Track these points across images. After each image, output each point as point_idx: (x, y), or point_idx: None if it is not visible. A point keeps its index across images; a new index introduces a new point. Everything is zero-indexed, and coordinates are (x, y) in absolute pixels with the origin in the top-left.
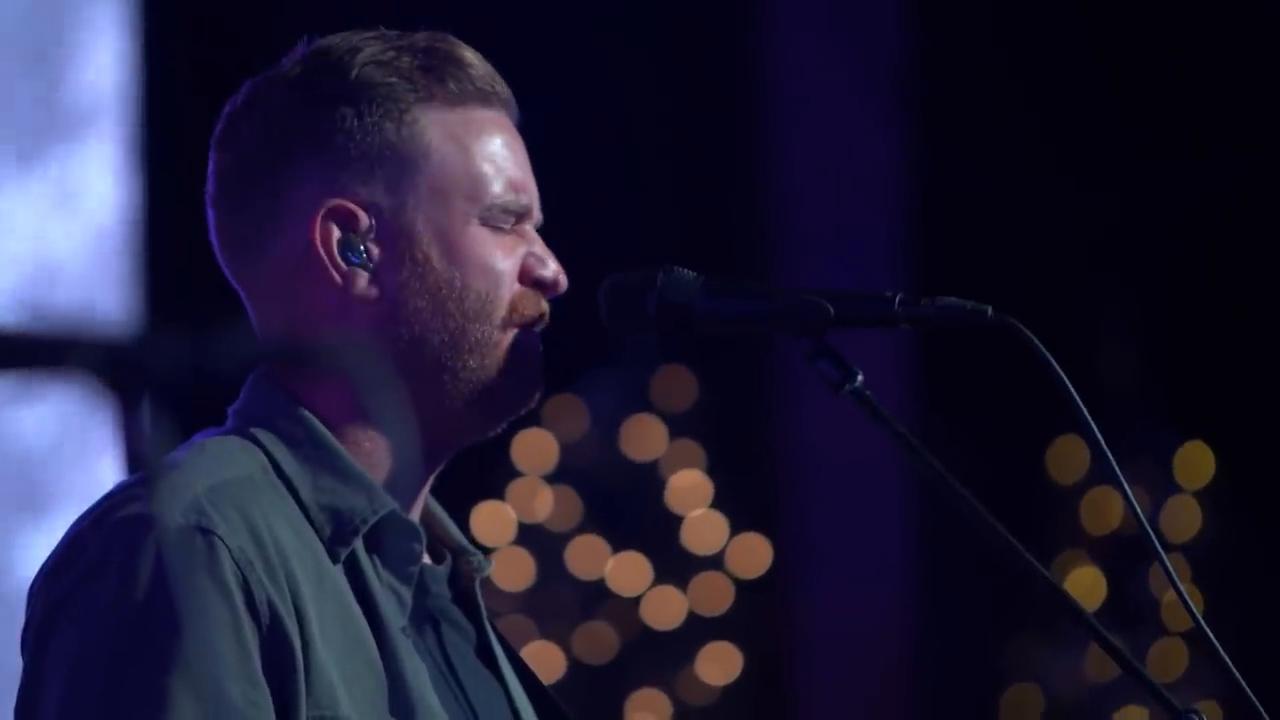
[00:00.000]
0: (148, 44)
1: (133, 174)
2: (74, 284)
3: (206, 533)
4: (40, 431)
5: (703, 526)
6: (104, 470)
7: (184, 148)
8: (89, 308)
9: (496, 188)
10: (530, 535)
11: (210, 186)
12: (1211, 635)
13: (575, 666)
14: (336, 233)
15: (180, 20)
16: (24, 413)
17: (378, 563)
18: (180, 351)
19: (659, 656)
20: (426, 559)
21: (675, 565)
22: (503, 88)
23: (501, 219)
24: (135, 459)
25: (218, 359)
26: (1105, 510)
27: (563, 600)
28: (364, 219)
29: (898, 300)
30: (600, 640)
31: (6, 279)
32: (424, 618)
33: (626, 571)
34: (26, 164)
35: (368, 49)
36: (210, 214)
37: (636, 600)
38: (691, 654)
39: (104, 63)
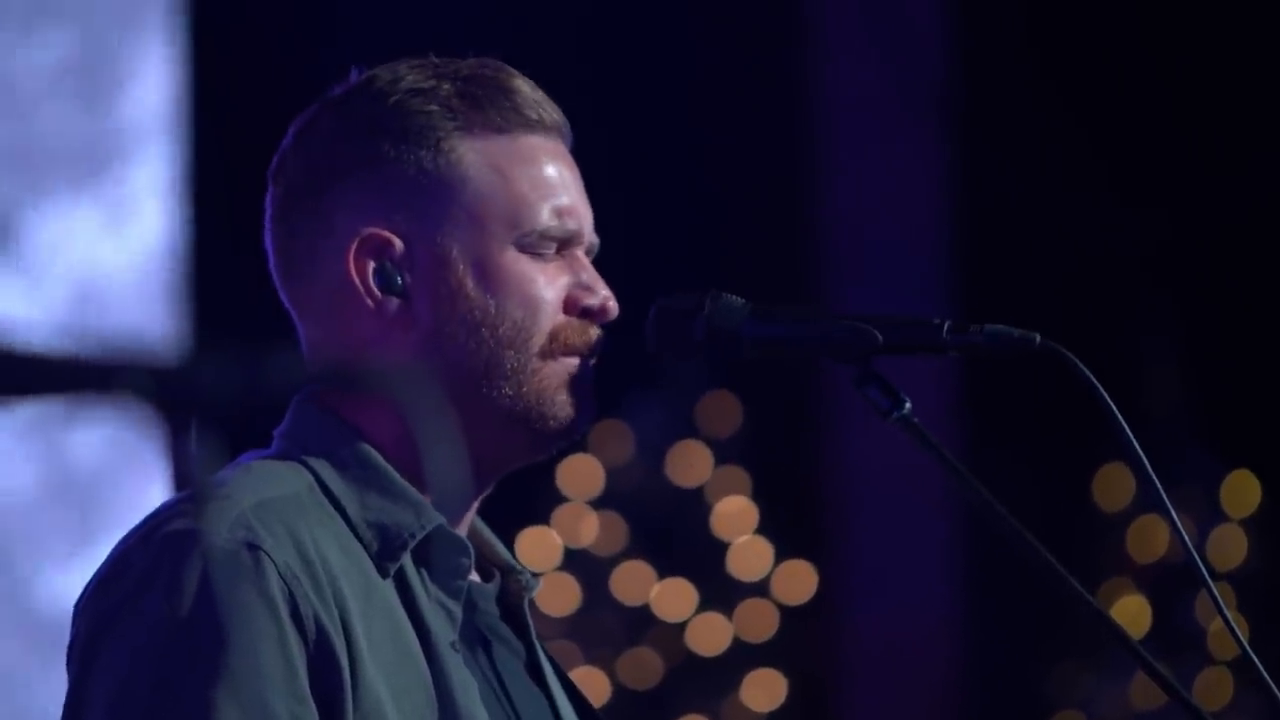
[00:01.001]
0: (197, 69)
1: (181, 198)
2: (123, 307)
3: (253, 548)
4: (90, 455)
5: (748, 552)
6: (154, 493)
7: (232, 172)
8: (138, 331)
9: (539, 214)
10: (576, 560)
11: (266, 218)
12: (1258, 663)
13: (620, 692)
14: (372, 261)
15: (229, 45)
16: (74, 436)
17: (426, 578)
18: (228, 375)
19: (704, 683)
20: (475, 576)
21: (720, 591)
22: (552, 113)
23: (543, 245)
24: (184, 482)
25: (265, 382)
26: (1151, 538)
27: (608, 626)
28: (398, 247)
29: (946, 327)
30: (645, 666)
31: (56, 303)
32: (474, 634)
33: (671, 597)
34: (76, 188)
35: (409, 77)
36: (267, 243)
37: (682, 626)
38: (736, 680)
39: (153, 87)
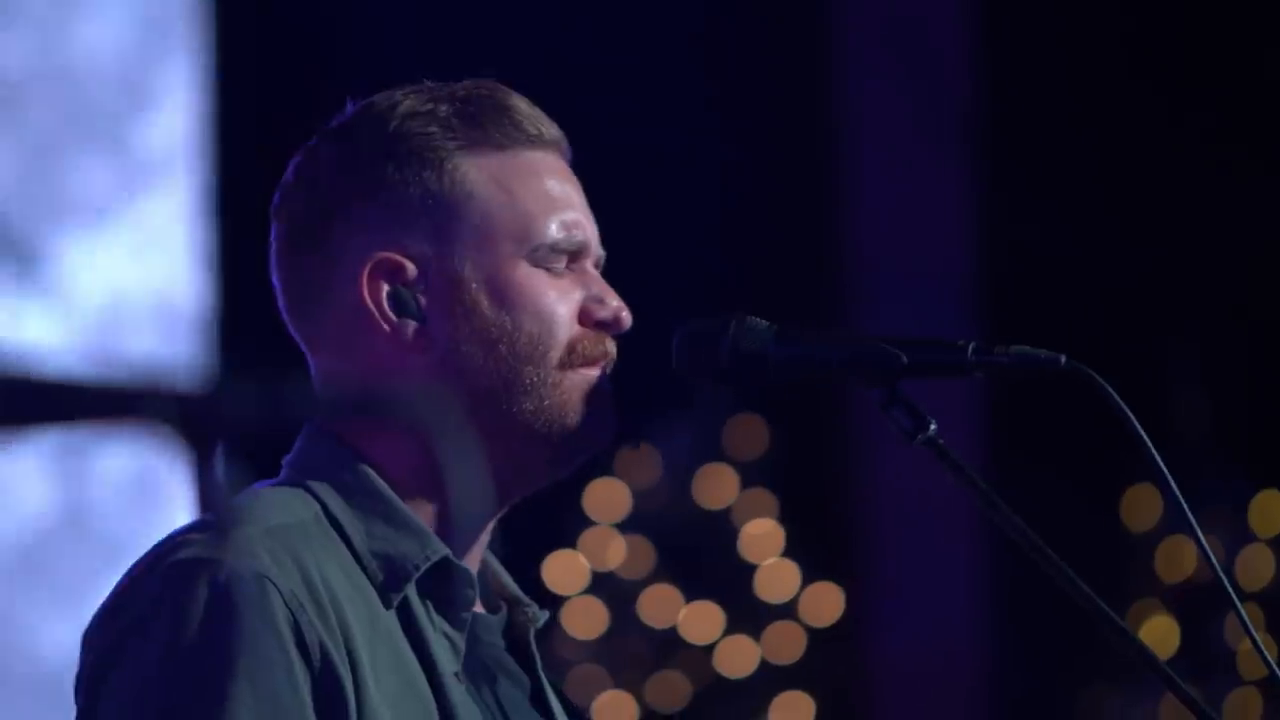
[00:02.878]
0: (223, 95)
1: (206, 224)
2: (147, 334)
3: (259, 576)
4: (114, 481)
5: (775, 575)
6: (178, 520)
7: (257, 198)
8: (162, 358)
9: (546, 228)
10: (603, 584)
11: (271, 254)
12: None
13: (648, 716)
14: (385, 286)
15: (255, 72)
16: (99, 463)
17: (431, 608)
18: (253, 401)
19: (732, 706)
20: (481, 609)
21: (748, 614)
22: (550, 128)
23: (553, 259)
24: (208, 509)
25: (290, 409)
26: (1180, 558)
27: (635, 649)
28: (411, 270)
29: (971, 349)
30: (673, 689)
31: (81, 329)
32: (477, 665)
33: (699, 620)
34: (101, 215)
35: (406, 102)
36: (274, 280)
37: (709, 649)
38: (764, 703)
39: (178, 113)
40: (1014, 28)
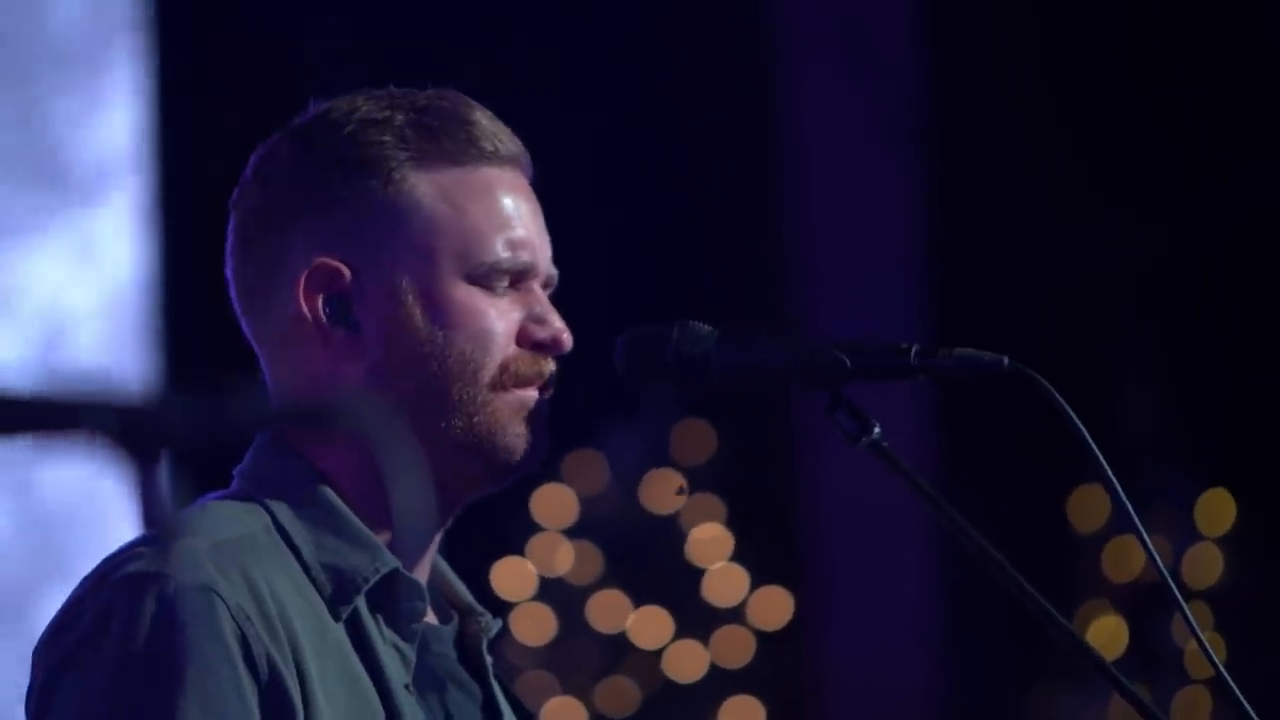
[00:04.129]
0: (164, 103)
1: (149, 234)
2: (91, 345)
3: (206, 590)
4: (59, 494)
5: (723, 579)
6: (122, 532)
7: (201, 207)
8: (106, 369)
9: (492, 247)
10: (551, 590)
11: (226, 247)
12: (1233, 683)
13: None
14: (321, 292)
15: (196, 79)
16: (42, 475)
17: (381, 621)
18: (197, 413)
19: (681, 710)
20: (433, 619)
21: (696, 618)
22: (509, 144)
23: (495, 278)
24: (152, 521)
25: (235, 421)
26: (1127, 559)
27: (584, 655)
28: (347, 277)
29: (914, 352)
30: (622, 694)
31: (24, 341)
32: (428, 676)
33: (648, 625)
34: (43, 225)
35: (363, 108)
36: (227, 273)
37: (658, 654)
38: (714, 707)
39: (120, 123)
40: (960, 25)
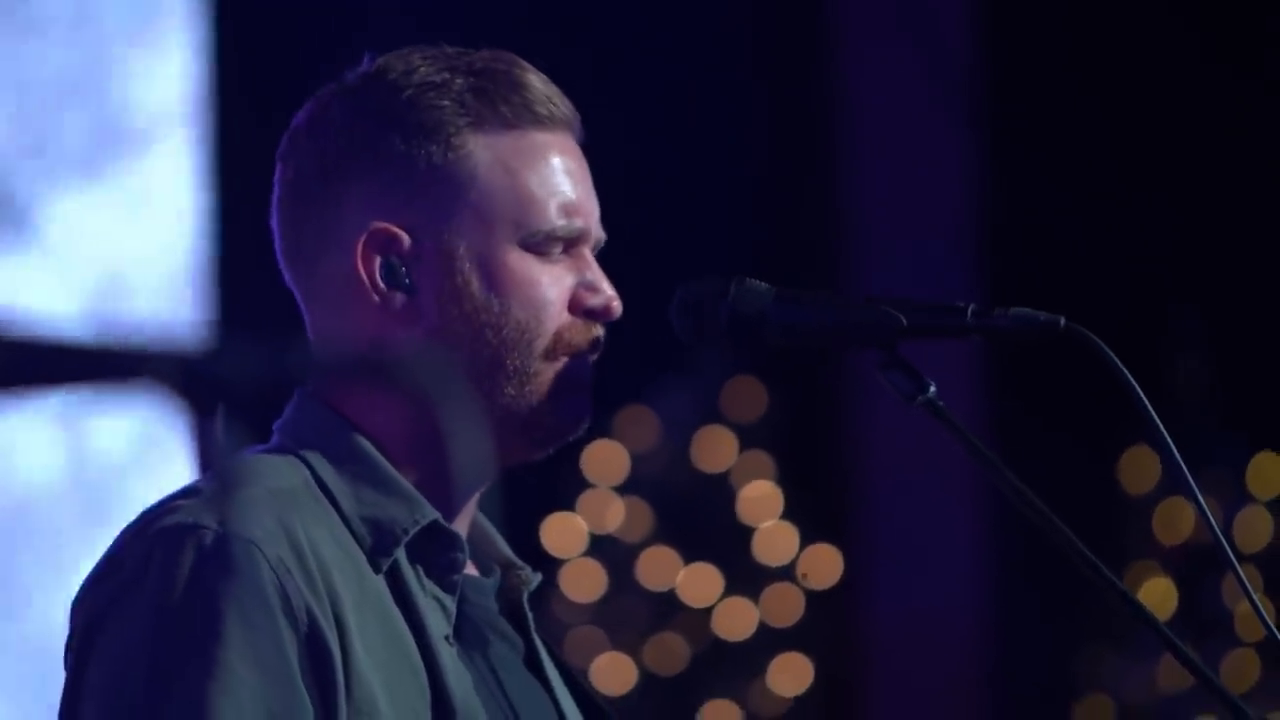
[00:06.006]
0: (220, 52)
1: (206, 183)
2: (147, 295)
3: (245, 542)
4: (115, 444)
5: (773, 537)
6: (179, 482)
7: (257, 157)
8: (162, 319)
9: (546, 213)
10: (601, 546)
11: (273, 198)
12: None
13: (646, 678)
14: (379, 255)
15: (253, 31)
16: (99, 425)
17: (420, 573)
18: (254, 362)
19: (730, 668)
20: (474, 571)
21: (746, 576)
22: (563, 108)
23: (550, 245)
24: (209, 470)
25: (291, 369)
26: (1178, 520)
27: (634, 611)
28: (405, 242)
29: (970, 311)
30: (671, 651)
31: (80, 292)
32: (469, 628)
33: (697, 583)
34: (99, 175)
35: (421, 69)
36: (273, 225)
37: (708, 611)
38: (763, 665)
39: (176, 71)
40: None
